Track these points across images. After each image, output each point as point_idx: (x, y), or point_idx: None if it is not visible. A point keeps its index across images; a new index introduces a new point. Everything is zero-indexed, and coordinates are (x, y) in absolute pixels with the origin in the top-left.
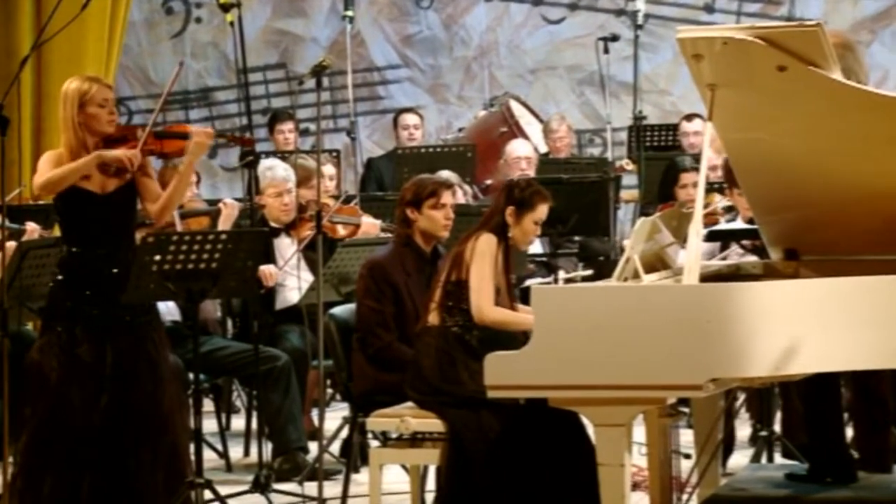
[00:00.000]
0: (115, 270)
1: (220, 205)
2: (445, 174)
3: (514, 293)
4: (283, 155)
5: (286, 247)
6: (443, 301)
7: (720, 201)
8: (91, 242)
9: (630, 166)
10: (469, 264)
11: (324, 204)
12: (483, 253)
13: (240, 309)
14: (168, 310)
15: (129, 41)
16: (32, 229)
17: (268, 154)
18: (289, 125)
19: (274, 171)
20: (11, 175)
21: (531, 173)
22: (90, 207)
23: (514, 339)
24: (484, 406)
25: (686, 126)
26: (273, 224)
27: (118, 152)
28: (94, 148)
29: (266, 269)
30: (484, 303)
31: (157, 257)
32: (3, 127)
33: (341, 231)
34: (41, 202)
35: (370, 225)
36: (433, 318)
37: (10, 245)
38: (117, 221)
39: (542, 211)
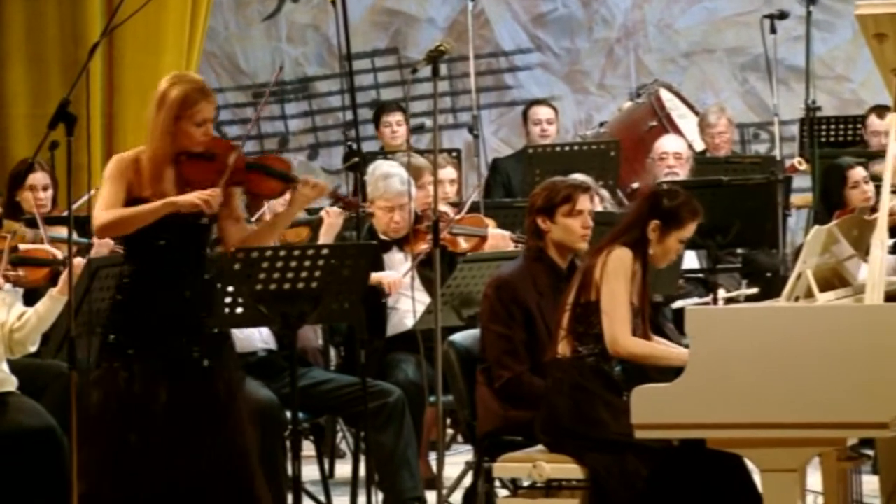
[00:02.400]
0: (186, 293)
1: (322, 213)
2: (580, 177)
3: (651, 320)
4: (389, 153)
5: (398, 263)
6: (572, 327)
7: None
8: (158, 261)
9: (803, 166)
10: (599, 284)
11: (442, 213)
12: (616, 271)
13: (345, 336)
14: (261, 337)
15: (214, 24)
16: (101, 243)
17: (375, 154)
18: (396, 116)
19: (389, 181)
20: (80, 181)
21: (681, 173)
22: (159, 222)
23: (665, 368)
24: (629, 448)
25: (876, 123)
26: (383, 236)
27: (194, 199)
28: (172, 160)
29: (386, 277)
30: (619, 331)
31: (248, 276)
32: (70, 126)
33: (463, 244)
34: None
35: (499, 237)
36: (563, 348)
37: (78, 262)
38: (192, 240)
39: (690, 229)
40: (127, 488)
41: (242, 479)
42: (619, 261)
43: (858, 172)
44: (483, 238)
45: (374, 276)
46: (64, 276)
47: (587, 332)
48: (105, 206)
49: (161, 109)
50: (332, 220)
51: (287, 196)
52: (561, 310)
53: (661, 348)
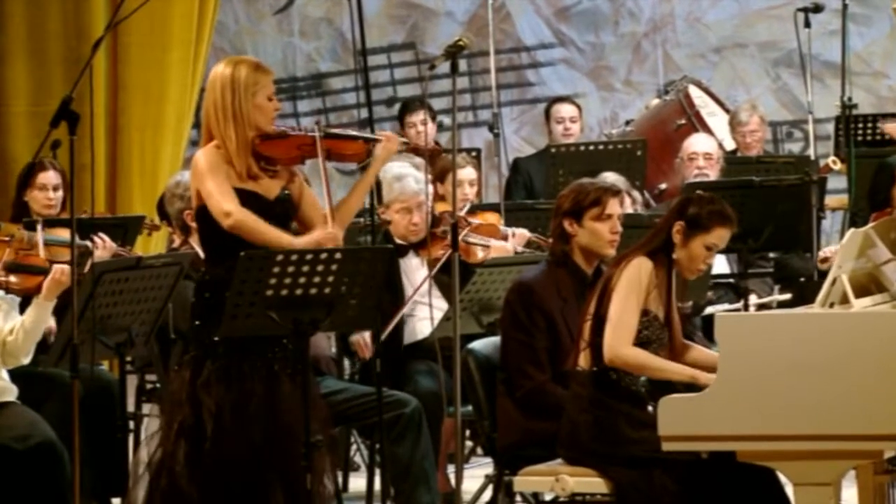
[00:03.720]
0: None
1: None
2: (612, 177)
3: (681, 328)
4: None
5: (414, 268)
6: (592, 338)
7: None
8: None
9: (838, 165)
10: (612, 293)
11: (460, 218)
12: (630, 281)
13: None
14: None
15: (223, 18)
16: (103, 245)
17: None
18: (420, 115)
19: (403, 182)
20: (83, 182)
21: (711, 175)
22: (258, 212)
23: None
24: (656, 462)
25: None
26: (399, 241)
27: (328, 241)
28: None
29: (359, 340)
30: (617, 341)
31: (259, 281)
32: (73, 124)
33: (480, 255)
34: (118, 215)
35: (501, 249)
36: (584, 360)
37: (64, 269)
38: (285, 227)
39: (718, 236)
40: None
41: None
42: (636, 270)
43: None
44: (486, 248)
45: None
46: (48, 281)
47: None
48: (226, 197)
49: (235, 92)
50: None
51: None
52: (582, 320)
53: (657, 360)
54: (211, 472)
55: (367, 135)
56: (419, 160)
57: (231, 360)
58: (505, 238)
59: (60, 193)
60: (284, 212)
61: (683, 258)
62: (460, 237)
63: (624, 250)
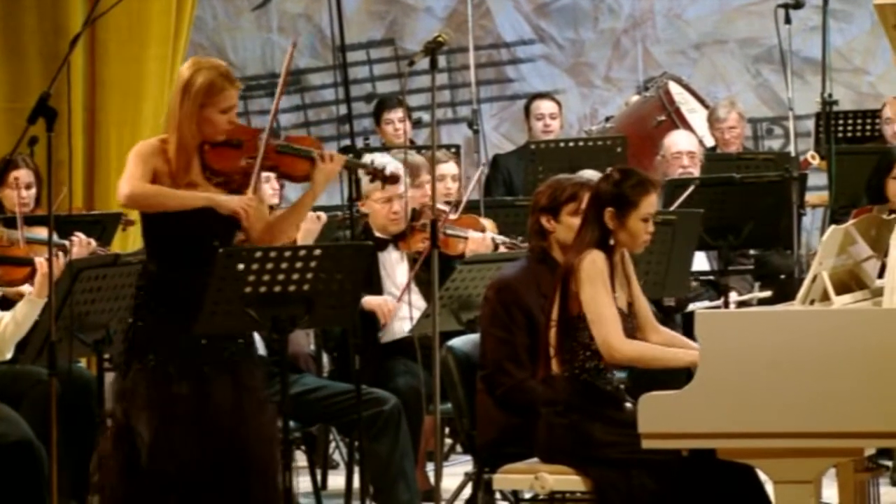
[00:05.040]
0: None
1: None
2: (589, 173)
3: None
4: (390, 150)
5: (394, 263)
6: (560, 343)
7: None
8: (183, 260)
9: (816, 160)
10: (578, 295)
11: (440, 211)
12: (592, 277)
13: (338, 341)
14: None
15: (201, 13)
16: (81, 242)
17: (371, 149)
18: (399, 113)
19: (396, 168)
20: (60, 178)
21: (695, 173)
22: (185, 217)
23: (676, 375)
24: (635, 461)
25: (889, 111)
26: (378, 234)
27: (232, 204)
28: (197, 150)
29: (380, 303)
30: (611, 337)
31: (237, 278)
32: (51, 120)
33: (460, 247)
34: (96, 212)
35: (479, 241)
36: (555, 366)
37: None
38: (216, 236)
39: (649, 203)
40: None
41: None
42: (592, 264)
43: None
44: (464, 239)
45: (368, 303)
46: (39, 278)
47: (576, 346)
48: (132, 178)
49: (186, 98)
50: (309, 227)
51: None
52: (546, 326)
53: (657, 349)
54: (143, 478)
55: (311, 152)
56: (416, 159)
57: (158, 362)
58: (483, 231)
59: (34, 191)
60: (225, 220)
61: (625, 239)
62: (441, 230)
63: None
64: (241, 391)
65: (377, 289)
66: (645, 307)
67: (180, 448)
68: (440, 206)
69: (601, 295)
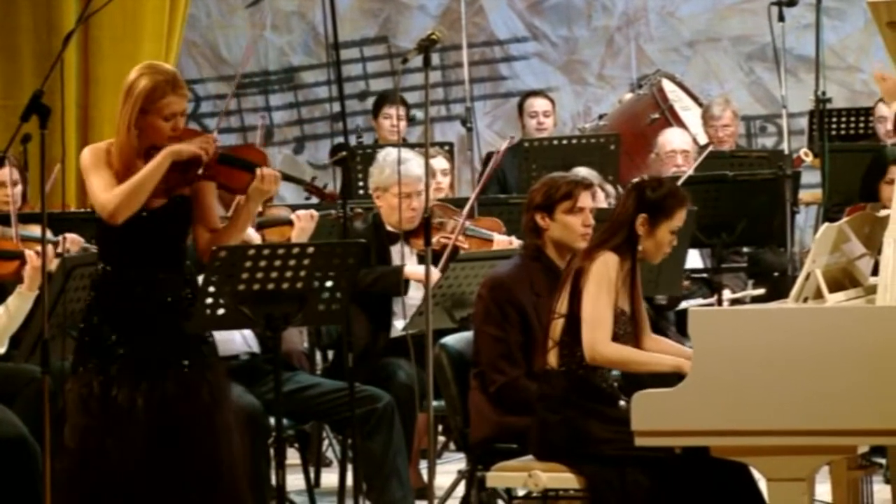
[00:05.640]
0: (168, 299)
1: (293, 216)
2: (584, 171)
3: (652, 322)
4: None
5: (403, 258)
6: (561, 337)
7: None
8: (132, 262)
9: (809, 157)
10: (582, 292)
11: (451, 210)
12: (599, 277)
13: (332, 339)
14: (244, 340)
15: (195, 11)
16: (71, 240)
17: (364, 148)
18: (399, 110)
19: (407, 165)
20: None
21: (689, 171)
22: (137, 217)
23: (666, 375)
24: (629, 459)
25: (883, 109)
26: (390, 228)
27: (192, 147)
28: (142, 155)
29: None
30: (597, 339)
31: (229, 275)
32: (44, 118)
33: (484, 248)
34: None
35: (505, 243)
36: (552, 359)
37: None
38: (167, 239)
39: (680, 217)
40: (101, 499)
41: (228, 489)
42: (604, 267)
43: None
44: (489, 241)
45: (413, 273)
46: (28, 271)
47: (576, 343)
48: (103, 190)
49: (127, 101)
50: (303, 225)
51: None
52: (549, 318)
53: (640, 354)
54: (94, 483)
55: (252, 163)
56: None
57: (107, 363)
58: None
59: (19, 188)
60: (165, 223)
61: (650, 247)
62: (459, 230)
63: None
64: (194, 392)
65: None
66: (644, 314)
67: (115, 455)
68: (455, 207)
69: (602, 298)
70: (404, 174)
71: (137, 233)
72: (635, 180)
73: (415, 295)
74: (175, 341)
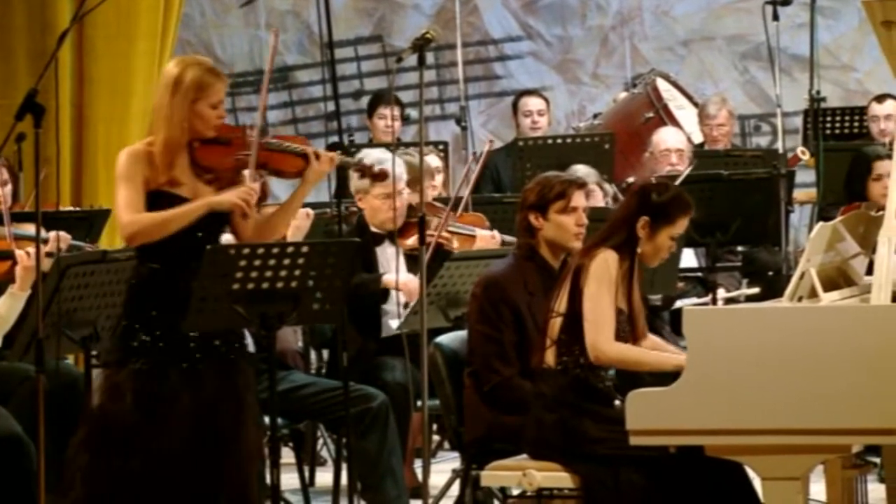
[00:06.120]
0: None
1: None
2: (582, 170)
3: (645, 321)
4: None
5: (389, 258)
6: (559, 336)
7: None
8: (172, 258)
9: (805, 156)
10: (582, 290)
11: (435, 207)
12: (600, 276)
13: (326, 338)
14: None
15: (189, 10)
16: (61, 238)
17: (357, 146)
18: (394, 110)
19: (385, 165)
20: (49, 175)
21: (683, 169)
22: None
23: (661, 374)
24: (623, 458)
25: (876, 108)
26: (375, 229)
27: (231, 198)
28: (186, 148)
29: (405, 280)
30: (600, 338)
31: (224, 275)
32: (38, 117)
33: (467, 245)
34: (84, 209)
35: (487, 238)
36: (549, 357)
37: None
38: (214, 234)
39: (681, 225)
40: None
41: (245, 483)
42: (604, 264)
43: (885, 165)
44: (472, 237)
45: (391, 281)
46: (20, 271)
47: (574, 341)
48: (129, 208)
49: (176, 94)
50: (299, 224)
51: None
52: (547, 316)
53: (644, 353)
54: (132, 478)
55: (306, 150)
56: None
57: (151, 363)
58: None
59: (9, 188)
60: (214, 217)
61: (649, 251)
62: (441, 228)
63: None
64: (232, 391)
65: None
66: (641, 313)
67: (166, 449)
68: (439, 204)
69: (603, 296)
70: None
71: (189, 228)
72: (641, 182)
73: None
74: (215, 336)
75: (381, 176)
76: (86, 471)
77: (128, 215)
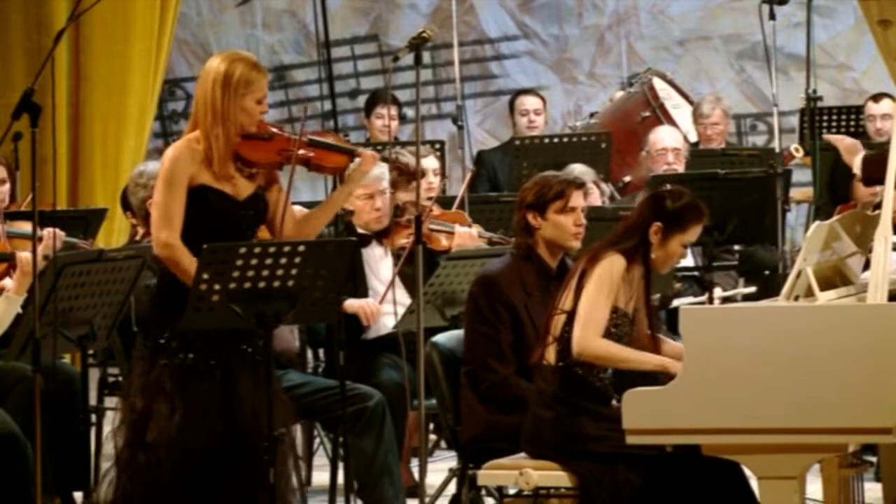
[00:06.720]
0: None
1: None
2: (579, 169)
3: (656, 324)
4: (377, 147)
5: (377, 259)
6: (561, 334)
7: None
8: None
9: (799, 153)
10: (584, 289)
11: (424, 207)
12: (601, 278)
13: (323, 337)
14: None
15: (186, 9)
16: (51, 236)
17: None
18: (392, 110)
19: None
20: (45, 174)
21: (679, 169)
22: (223, 212)
23: (657, 374)
24: (620, 457)
25: (872, 108)
26: (361, 230)
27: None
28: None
29: (362, 305)
30: (586, 334)
31: (221, 274)
32: (35, 116)
33: (444, 242)
34: (80, 208)
35: (466, 235)
36: (550, 355)
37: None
38: (251, 227)
39: (694, 232)
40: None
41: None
42: (609, 266)
43: None
44: (451, 234)
45: (351, 306)
46: (17, 275)
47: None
48: (165, 222)
49: (227, 91)
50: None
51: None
52: (550, 313)
53: (624, 351)
54: (167, 472)
55: (350, 147)
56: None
57: (184, 358)
58: (470, 225)
59: (7, 187)
60: (254, 213)
61: (660, 257)
62: (425, 225)
63: (592, 244)
64: (262, 388)
65: (361, 285)
66: (647, 317)
67: (203, 443)
68: (425, 203)
69: (601, 297)
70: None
71: (232, 221)
72: (658, 190)
73: (401, 297)
74: (244, 335)
75: (413, 174)
76: (125, 469)
77: (165, 233)
